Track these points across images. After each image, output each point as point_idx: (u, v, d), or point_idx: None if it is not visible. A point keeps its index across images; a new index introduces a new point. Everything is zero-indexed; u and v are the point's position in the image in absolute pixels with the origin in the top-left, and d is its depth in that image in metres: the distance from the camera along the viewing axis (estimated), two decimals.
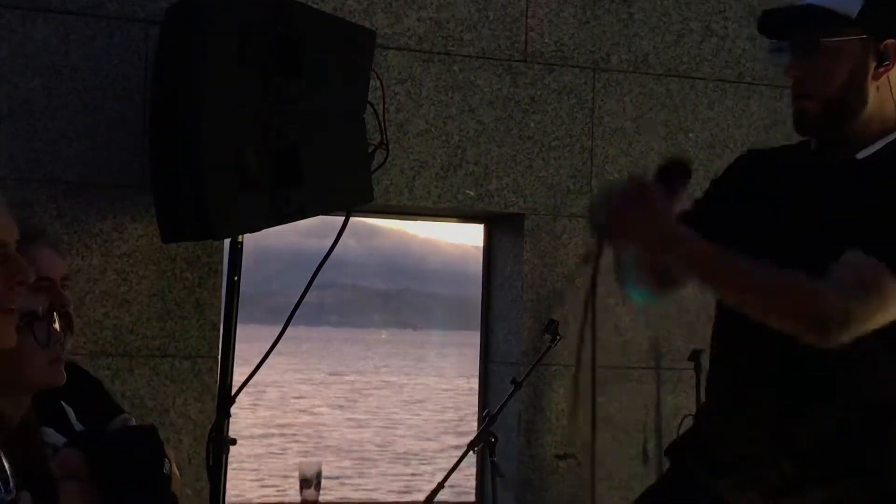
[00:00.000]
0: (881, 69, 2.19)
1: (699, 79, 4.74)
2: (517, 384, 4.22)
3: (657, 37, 4.69)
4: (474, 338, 4.81)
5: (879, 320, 2.06)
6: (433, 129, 4.41)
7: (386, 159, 3.86)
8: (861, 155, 2.19)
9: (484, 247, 4.81)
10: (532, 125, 4.53)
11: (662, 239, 2.11)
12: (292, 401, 24.06)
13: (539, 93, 4.54)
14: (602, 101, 4.61)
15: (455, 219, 4.76)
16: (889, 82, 2.20)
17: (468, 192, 4.45)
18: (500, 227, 4.72)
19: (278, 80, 3.35)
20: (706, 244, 2.10)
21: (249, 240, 3.68)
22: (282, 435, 18.15)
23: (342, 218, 3.72)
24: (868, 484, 2.15)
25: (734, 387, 2.28)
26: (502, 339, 4.65)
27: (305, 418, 20.83)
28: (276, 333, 3.51)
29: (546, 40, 4.56)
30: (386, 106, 3.96)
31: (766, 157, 2.35)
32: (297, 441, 17.56)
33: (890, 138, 2.20)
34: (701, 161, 4.66)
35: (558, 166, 4.55)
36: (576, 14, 4.60)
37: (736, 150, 4.66)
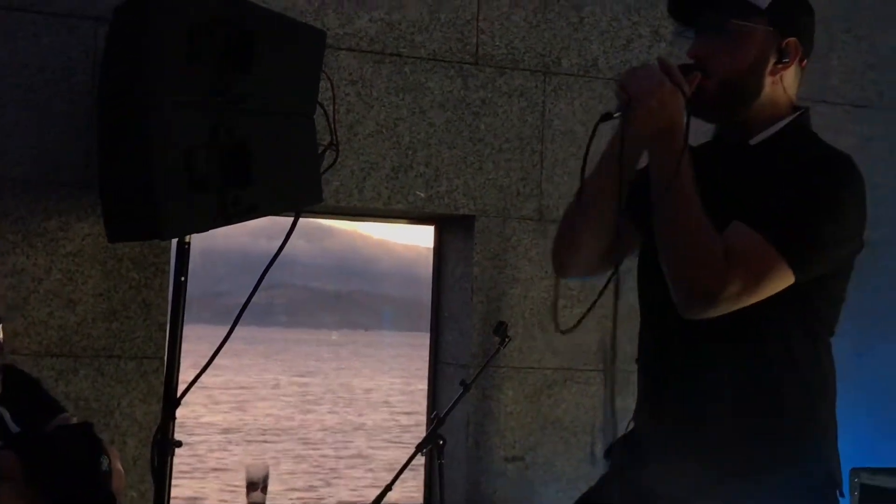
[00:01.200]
0: (780, 65, 2.24)
1: None
2: (466, 386, 4.22)
3: (607, 41, 4.71)
4: (425, 339, 4.81)
5: (749, 299, 2.08)
6: (384, 131, 4.40)
7: (336, 160, 3.84)
8: (754, 140, 2.25)
9: (434, 248, 4.81)
10: (483, 127, 4.53)
11: (668, 118, 2.12)
12: (243, 402, 23.93)
13: (490, 95, 4.55)
14: (552, 104, 4.63)
15: (405, 220, 4.76)
16: (783, 81, 2.25)
17: (419, 193, 4.45)
18: (450, 229, 4.72)
19: (227, 78, 3.32)
20: (687, 152, 2.13)
21: (200, 240, 3.65)
22: (228, 435, 18.04)
23: (292, 218, 3.70)
24: (784, 475, 2.16)
25: (652, 382, 2.31)
26: (452, 340, 4.65)
27: (258, 420, 20.72)
28: (225, 334, 3.48)
29: (497, 43, 4.57)
30: (336, 106, 3.95)
31: (694, 150, 2.39)
32: (247, 442, 17.46)
33: (780, 125, 2.25)
34: None
35: (509, 169, 4.56)
36: (527, 18, 4.61)
37: None
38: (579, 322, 2.21)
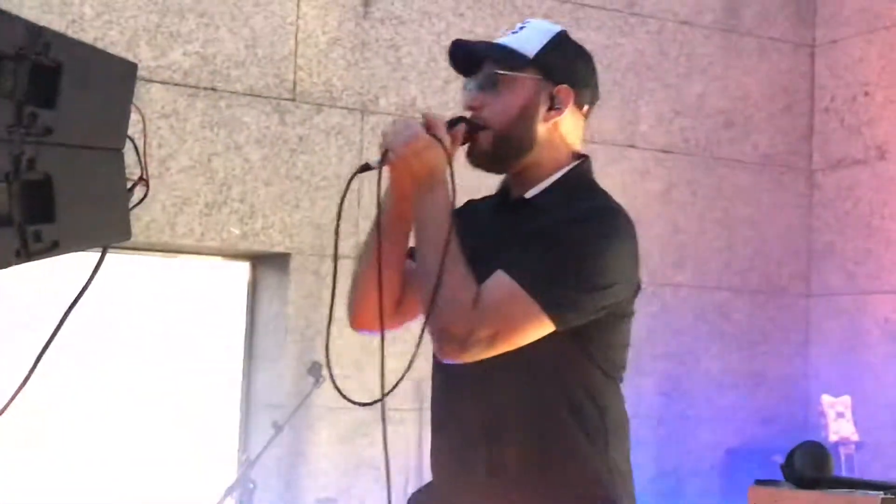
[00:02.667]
0: (552, 112, 2.27)
1: None
2: (278, 427, 4.16)
3: (424, 81, 4.76)
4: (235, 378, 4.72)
5: (504, 345, 2.12)
6: (198, 166, 4.33)
7: (146, 195, 3.74)
8: (529, 194, 2.28)
9: (248, 286, 4.74)
10: (300, 165, 4.51)
11: (426, 169, 2.16)
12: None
13: (307, 132, 4.53)
14: (370, 142, 4.64)
15: (219, 257, 4.68)
16: (559, 129, 2.29)
17: (233, 230, 4.38)
18: (265, 267, 4.66)
19: (32, 110, 3.21)
20: (448, 204, 2.15)
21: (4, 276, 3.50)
22: None
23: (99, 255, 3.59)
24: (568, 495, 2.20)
25: (440, 428, 2.34)
26: (265, 381, 4.58)
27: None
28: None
29: (315, 80, 4.56)
30: (148, 140, 3.86)
31: (476, 204, 2.42)
32: None
33: (558, 175, 2.28)
34: None
35: (325, 207, 4.54)
36: (345, 56, 4.61)
37: None
38: (394, 387, 2.20)
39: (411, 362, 2.09)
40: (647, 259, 5.05)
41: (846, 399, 3.99)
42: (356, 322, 2.37)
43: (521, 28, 2.32)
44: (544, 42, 2.28)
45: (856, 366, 5.13)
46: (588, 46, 5.13)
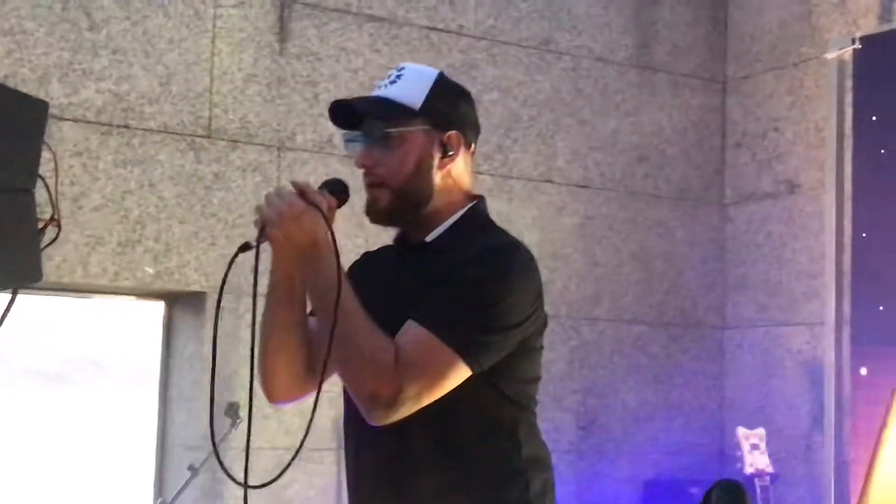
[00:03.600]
0: (446, 159, 2.28)
1: None
2: (195, 470, 4.10)
3: None
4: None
5: (429, 398, 2.12)
6: (111, 204, 4.27)
7: (58, 235, 3.69)
8: (429, 238, 2.29)
9: (163, 326, 4.68)
10: (216, 202, 4.47)
11: (308, 237, 2.14)
12: None
13: (223, 170, 4.49)
14: (287, 179, 4.61)
15: (133, 297, 4.61)
16: (451, 173, 2.30)
17: (147, 269, 4.33)
18: (180, 306, 4.61)
19: None
20: (338, 267, 2.13)
21: None
22: None
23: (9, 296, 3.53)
24: None
25: (351, 470, 2.35)
26: (181, 422, 4.52)
27: None
28: None
29: (231, 117, 4.53)
30: (59, 179, 3.81)
31: (372, 256, 2.43)
32: None
33: (455, 217, 2.30)
34: (384, 241, 4.72)
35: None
36: (261, 92, 4.60)
37: None
38: (280, 474, 2.19)
39: (308, 428, 2.08)
40: (565, 293, 5.12)
41: (761, 431, 4.04)
42: (272, 396, 2.35)
43: (399, 76, 2.30)
44: (427, 90, 2.28)
45: (769, 397, 5.21)
46: (504, 82, 5.21)
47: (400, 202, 2.26)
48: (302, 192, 2.17)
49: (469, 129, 2.34)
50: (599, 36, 5.37)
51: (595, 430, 5.18)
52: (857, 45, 4.16)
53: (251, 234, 4.56)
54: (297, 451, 2.10)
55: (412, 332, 2.12)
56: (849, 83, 4.26)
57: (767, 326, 5.28)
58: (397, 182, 2.25)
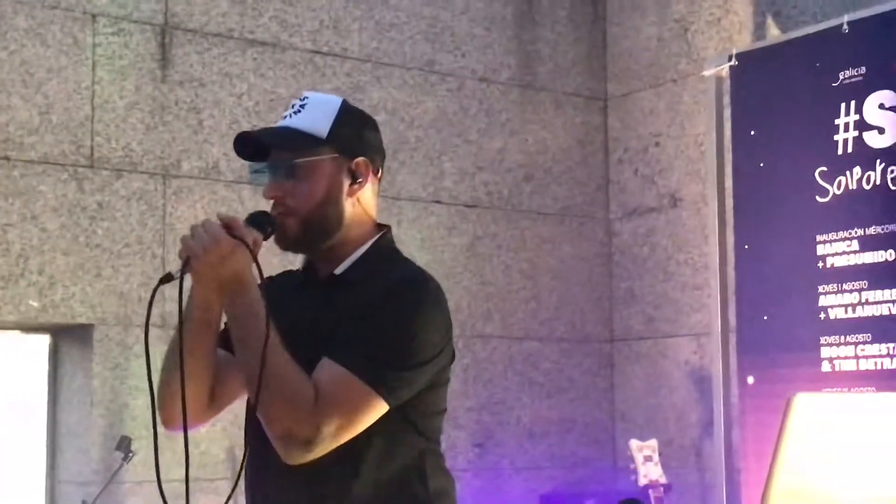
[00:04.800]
0: (355, 186, 2.29)
1: None
2: None
3: (227, 144, 4.69)
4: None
5: (347, 436, 2.12)
6: None
7: None
8: (339, 270, 2.28)
9: (49, 359, 4.56)
10: (100, 232, 4.38)
11: (232, 272, 2.11)
12: None
13: (107, 199, 4.41)
14: (173, 207, 4.54)
15: (17, 330, 4.49)
16: (360, 201, 2.31)
17: (31, 303, 4.22)
18: (66, 339, 4.50)
19: None
20: (262, 302, 2.11)
21: None
22: None
23: None
24: None
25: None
26: (71, 457, 4.41)
27: None
28: None
29: (114, 146, 4.45)
30: None
31: (277, 281, 2.40)
32: None
33: (364, 248, 2.30)
34: (274, 267, 4.67)
35: (129, 274, 4.42)
36: (143, 120, 4.52)
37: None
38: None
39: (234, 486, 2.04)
40: (457, 312, 5.12)
41: (653, 443, 4.09)
42: (170, 423, 2.30)
43: (303, 106, 2.29)
44: (332, 118, 2.28)
45: (660, 408, 5.27)
46: (390, 104, 5.21)
47: (309, 230, 2.24)
48: (228, 226, 2.13)
49: (376, 154, 2.34)
50: (483, 57, 5.40)
51: (490, 447, 5.19)
52: (734, 62, 4.24)
53: (139, 263, 4.51)
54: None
55: (328, 369, 2.10)
56: (726, 98, 4.34)
57: (655, 338, 5.35)
58: (306, 211, 2.23)
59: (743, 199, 4.18)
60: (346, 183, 2.27)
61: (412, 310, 2.18)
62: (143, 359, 4.55)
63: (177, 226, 4.52)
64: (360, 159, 2.29)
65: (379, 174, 2.35)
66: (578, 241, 5.56)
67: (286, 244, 2.27)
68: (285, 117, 2.30)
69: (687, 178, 5.29)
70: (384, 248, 2.33)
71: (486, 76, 5.41)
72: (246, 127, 4.73)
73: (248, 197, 4.70)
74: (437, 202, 5.21)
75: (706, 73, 4.38)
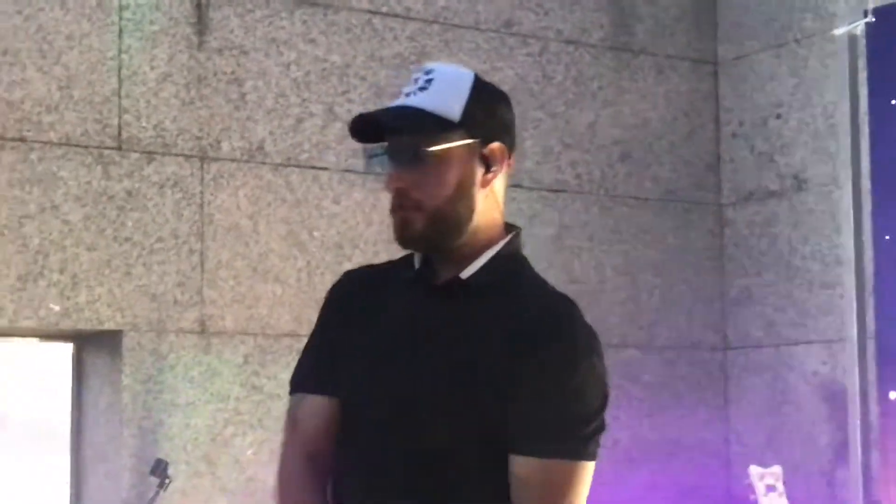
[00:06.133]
0: (489, 175, 2.28)
1: (322, 169, 4.81)
2: None
3: (273, 121, 4.74)
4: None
5: None
6: (6, 232, 4.24)
7: None
8: (465, 274, 2.28)
9: (72, 371, 4.64)
10: (130, 224, 4.44)
11: None
12: None
13: (137, 186, 4.47)
14: (212, 195, 4.60)
15: (36, 338, 4.58)
16: (493, 191, 2.30)
17: (52, 306, 4.30)
18: (92, 348, 4.58)
19: None
20: None
21: None
22: None
23: None
24: None
25: None
26: (98, 483, 4.48)
27: None
28: None
29: (144, 124, 4.51)
30: None
31: (369, 276, 2.41)
32: None
33: (492, 253, 2.29)
34: (328, 264, 4.72)
35: (162, 273, 4.48)
36: (178, 94, 4.57)
37: (367, 250, 4.77)
38: None
39: None
40: None
41: (777, 469, 4.06)
42: None
43: (429, 81, 2.28)
44: (465, 97, 2.26)
45: (782, 429, 5.23)
46: None
47: (438, 227, 2.24)
48: None
49: (509, 138, 2.33)
50: (569, 15, 5.39)
51: None
52: (870, 18, 4.20)
53: (174, 260, 4.56)
54: None
55: (527, 468, 2.17)
56: (861, 62, 4.30)
57: (777, 346, 5.31)
58: (435, 205, 2.24)
59: (882, 181, 4.13)
60: (480, 172, 2.27)
61: (580, 353, 2.22)
62: (179, 370, 4.61)
63: (216, 216, 4.58)
64: (496, 144, 2.28)
65: (511, 161, 2.34)
66: (684, 231, 5.53)
67: (410, 243, 2.27)
68: (408, 94, 2.28)
69: (814, 157, 5.25)
70: (513, 254, 2.32)
71: (573, 37, 5.39)
72: (294, 101, 4.78)
73: (297, 183, 4.74)
74: (517, 186, 5.21)
75: (837, 31, 4.35)
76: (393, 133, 2.27)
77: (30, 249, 4.28)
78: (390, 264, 2.41)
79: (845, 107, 4.31)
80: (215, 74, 4.66)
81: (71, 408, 4.62)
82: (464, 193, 2.26)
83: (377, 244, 4.77)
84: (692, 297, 5.52)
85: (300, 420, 2.30)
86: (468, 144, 2.26)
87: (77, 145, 4.38)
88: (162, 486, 4.15)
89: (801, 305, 5.24)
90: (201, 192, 4.58)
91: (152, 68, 4.55)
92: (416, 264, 2.34)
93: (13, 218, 4.25)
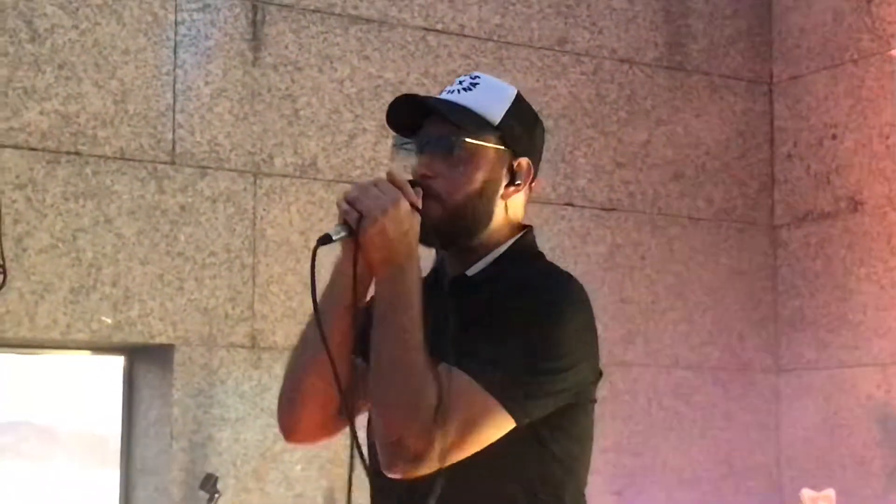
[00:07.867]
0: (511, 188, 2.30)
1: None
2: None
3: (326, 137, 4.75)
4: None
5: (460, 455, 2.11)
6: (61, 245, 4.26)
7: (3, 283, 3.70)
8: (470, 272, 2.29)
9: (124, 385, 4.67)
10: (183, 239, 4.46)
11: (404, 241, 2.13)
12: None
13: (190, 200, 4.49)
14: (265, 210, 4.61)
15: (89, 351, 4.61)
16: (510, 206, 2.31)
17: (104, 319, 4.32)
18: (143, 361, 4.60)
19: None
20: (420, 286, 2.13)
21: None
22: None
23: None
24: None
25: None
26: (147, 497, 4.50)
27: None
28: None
29: (198, 139, 4.53)
30: (0, 217, 3.81)
31: None
32: None
33: (497, 253, 2.30)
34: None
35: (214, 287, 4.49)
36: (232, 109, 4.60)
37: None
38: None
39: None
40: None
41: (830, 493, 4.03)
42: (294, 433, 2.33)
43: (474, 84, 2.31)
44: (507, 107, 2.30)
45: (835, 452, 5.19)
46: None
47: (454, 222, 2.25)
48: (401, 186, 2.15)
49: (537, 161, 2.35)
50: (624, 34, 5.38)
51: (631, 496, 5.15)
52: None
53: (225, 275, 4.58)
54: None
55: (456, 379, 2.10)
56: None
57: (830, 368, 5.27)
58: (456, 200, 2.25)
59: None
60: (504, 182, 2.29)
61: (544, 308, 2.16)
62: (230, 384, 4.62)
63: (268, 231, 4.59)
64: (524, 160, 2.30)
65: (533, 184, 2.35)
66: (738, 251, 5.50)
67: (425, 234, 2.23)
68: (452, 91, 2.31)
69: (870, 177, 5.20)
70: (524, 250, 2.33)
71: (627, 56, 5.38)
72: (347, 117, 4.79)
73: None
74: (569, 205, 5.20)
75: (894, 52, 4.30)
76: (433, 119, 2.28)
77: (83, 263, 4.30)
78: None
79: None
80: (269, 90, 4.68)
81: (121, 421, 4.64)
82: (485, 196, 2.27)
83: (427, 259, 4.75)
84: (745, 319, 5.48)
85: None
86: (500, 151, 2.28)
87: (131, 159, 4.41)
88: (211, 500, 4.16)
89: (855, 328, 5.20)
90: (254, 207, 4.60)
91: (207, 83, 4.57)
92: (435, 262, 2.35)
93: (67, 231, 4.28)
